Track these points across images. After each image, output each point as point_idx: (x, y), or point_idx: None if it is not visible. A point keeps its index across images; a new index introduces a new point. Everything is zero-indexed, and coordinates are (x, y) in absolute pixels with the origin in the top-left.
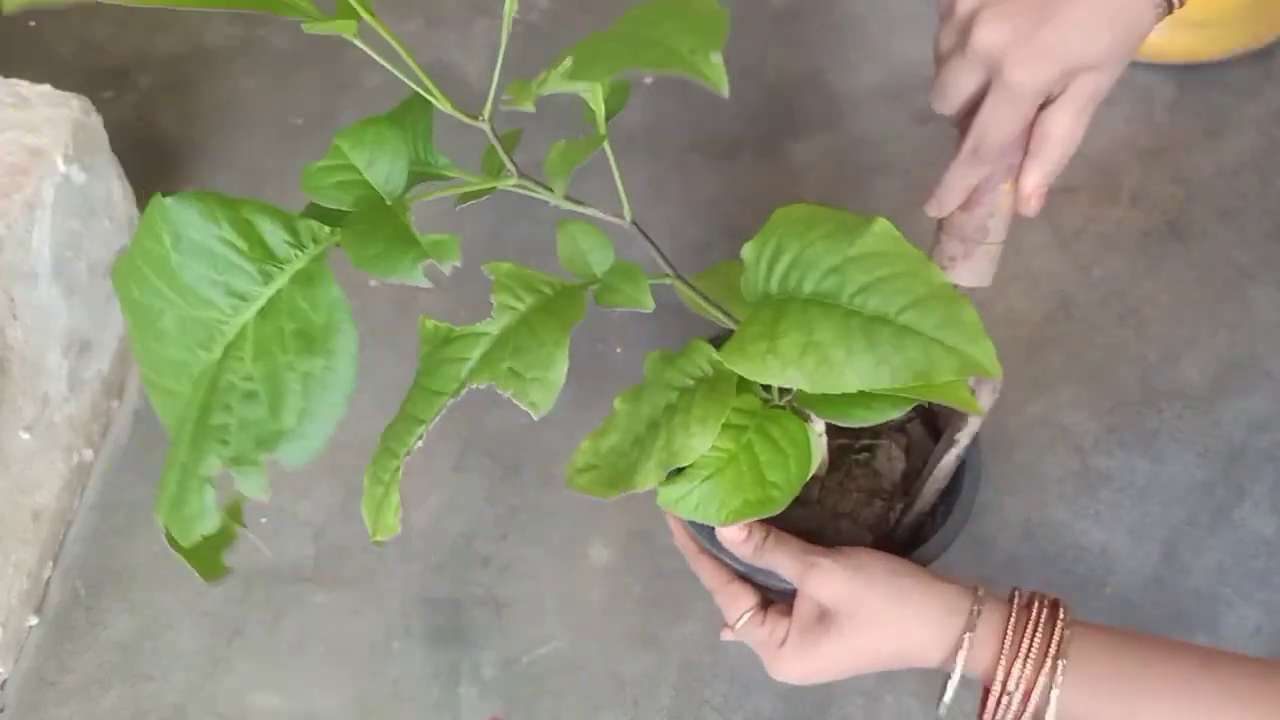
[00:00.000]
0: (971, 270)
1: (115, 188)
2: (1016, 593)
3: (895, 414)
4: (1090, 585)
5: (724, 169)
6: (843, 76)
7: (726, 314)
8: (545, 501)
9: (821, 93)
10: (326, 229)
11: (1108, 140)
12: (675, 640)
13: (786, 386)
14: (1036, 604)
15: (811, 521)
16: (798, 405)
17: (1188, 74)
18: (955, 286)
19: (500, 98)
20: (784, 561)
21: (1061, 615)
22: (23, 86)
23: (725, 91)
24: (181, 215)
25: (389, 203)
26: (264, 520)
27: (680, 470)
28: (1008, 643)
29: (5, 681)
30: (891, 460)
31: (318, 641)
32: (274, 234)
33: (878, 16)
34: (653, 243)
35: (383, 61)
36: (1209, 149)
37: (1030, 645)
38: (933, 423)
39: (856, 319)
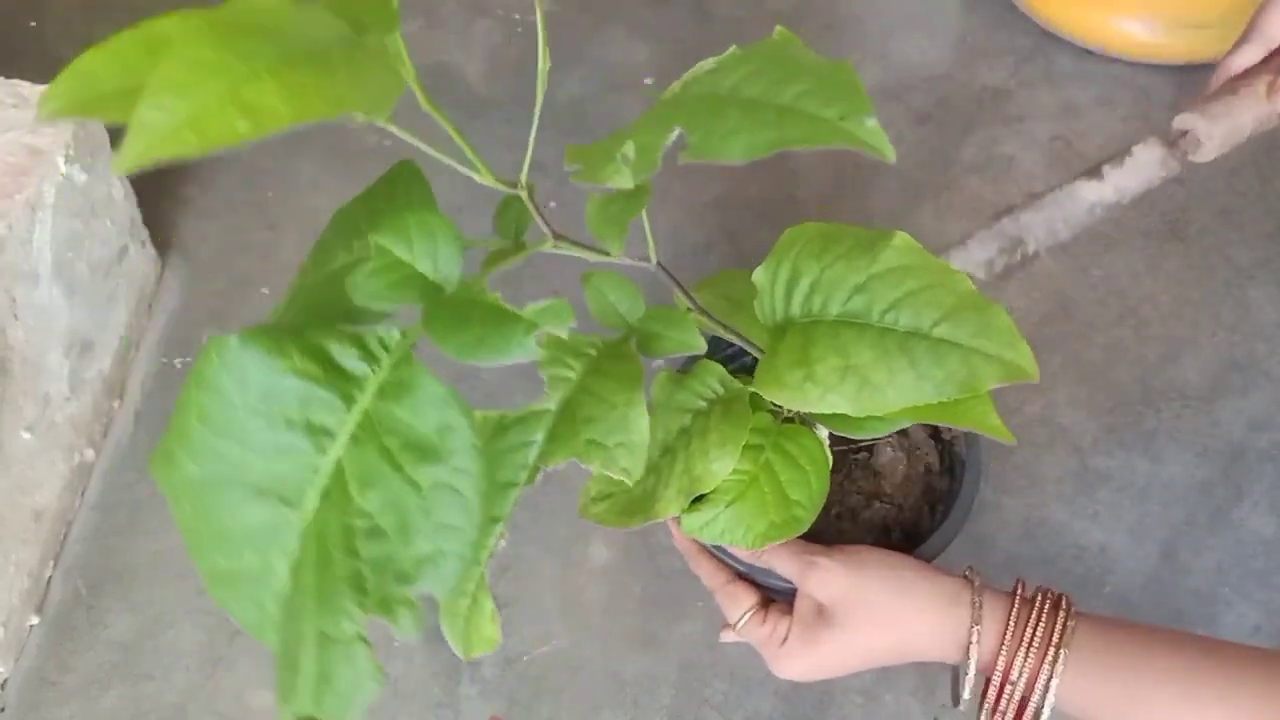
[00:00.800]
0: (1208, 142)
1: (116, 188)
2: (1020, 585)
3: (908, 424)
4: (1089, 585)
5: (723, 171)
6: None
7: (741, 337)
8: (545, 501)
9: None
10: (396, 334)
11: (1106, 140)
12: (675, 640)
13: (824, 412)
14: (1039, 596)
15: (813, 522)
16: (806, 417)
17: (1187, 74)
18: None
19: (566, 169)
20: (783, 561)
21: (1064, 606)
22: (24, 87)
23: (892, 157)
24: (246, 356)
25: (449, 291)
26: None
27: (701, 496)
28: (1009, 634)
29: (6, 681)
30: (893, 462)
31: None
32: (345, 356)
33: (877, 17)
34: (678, 282)
35: (413, 140)
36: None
37: (1034, 635)
38: (934, 425)
39: (892, 337)
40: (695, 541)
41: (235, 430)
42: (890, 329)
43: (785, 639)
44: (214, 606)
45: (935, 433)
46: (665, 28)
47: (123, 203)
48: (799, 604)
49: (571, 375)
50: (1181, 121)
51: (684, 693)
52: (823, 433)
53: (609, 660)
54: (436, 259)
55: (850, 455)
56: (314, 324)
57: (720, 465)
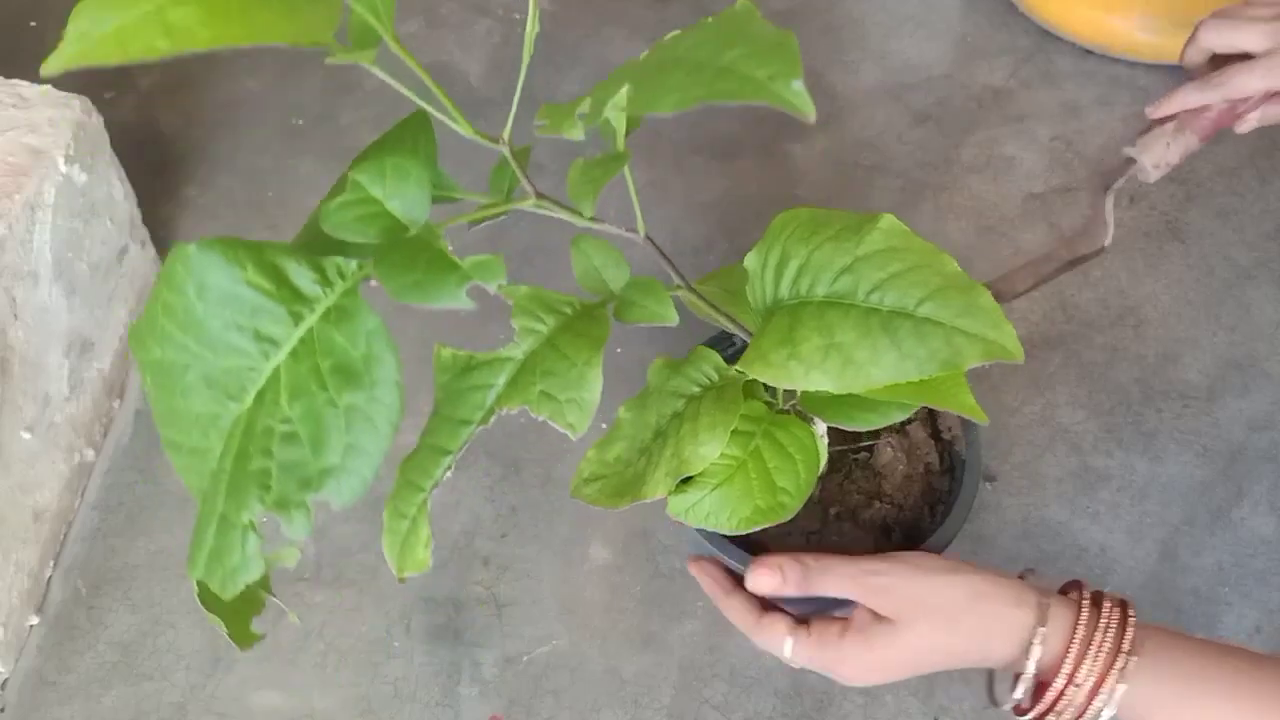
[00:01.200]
0: (1158, 154)
1: (116, 188)
2: (1081, 588)
3: (901, 416)
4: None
5: (724, 170)
6: (841, 77)
7: (734, 321)
8: (545, 501)
9: (820, 93)
10: (354, 264)
11: (1106, 140)
12: (675, 639)
13: (810, 389)
14: (1107, 601)
15: (812, 522)
16: (802, 409)
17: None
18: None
19: (534, 123)
20: (840, 582)
21: (1131, 613)
22: (24, 87)
23: (812, 116)
24: (205, 262)
25: (413, 232)
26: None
27: (689, 479)
28: (1077, 638)
29: (6, 681)
30: (893, 462)
31: (318, 641)
32: (300, 274)
33: (876, 18)
34: (665, 256)
35: (396, 85)
36: (1208, 149)
37: (1102, 640)
38: (934, 424)
39: (875, 316)
40: (719, 583)
41: (192, 326)
42: (875, 309)
43: (841, 647)
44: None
45: (935, 433)
46: (665, 28)
47: (123, 203)
48: (856, 614)
49: (542, 329)
50: (1132, 151)
51: (684, 693)
52: (820, 427)
53: (609, 660)
54: (405, 199)
55: (850, 455)
56: (274, 243)
57: (708, 449)
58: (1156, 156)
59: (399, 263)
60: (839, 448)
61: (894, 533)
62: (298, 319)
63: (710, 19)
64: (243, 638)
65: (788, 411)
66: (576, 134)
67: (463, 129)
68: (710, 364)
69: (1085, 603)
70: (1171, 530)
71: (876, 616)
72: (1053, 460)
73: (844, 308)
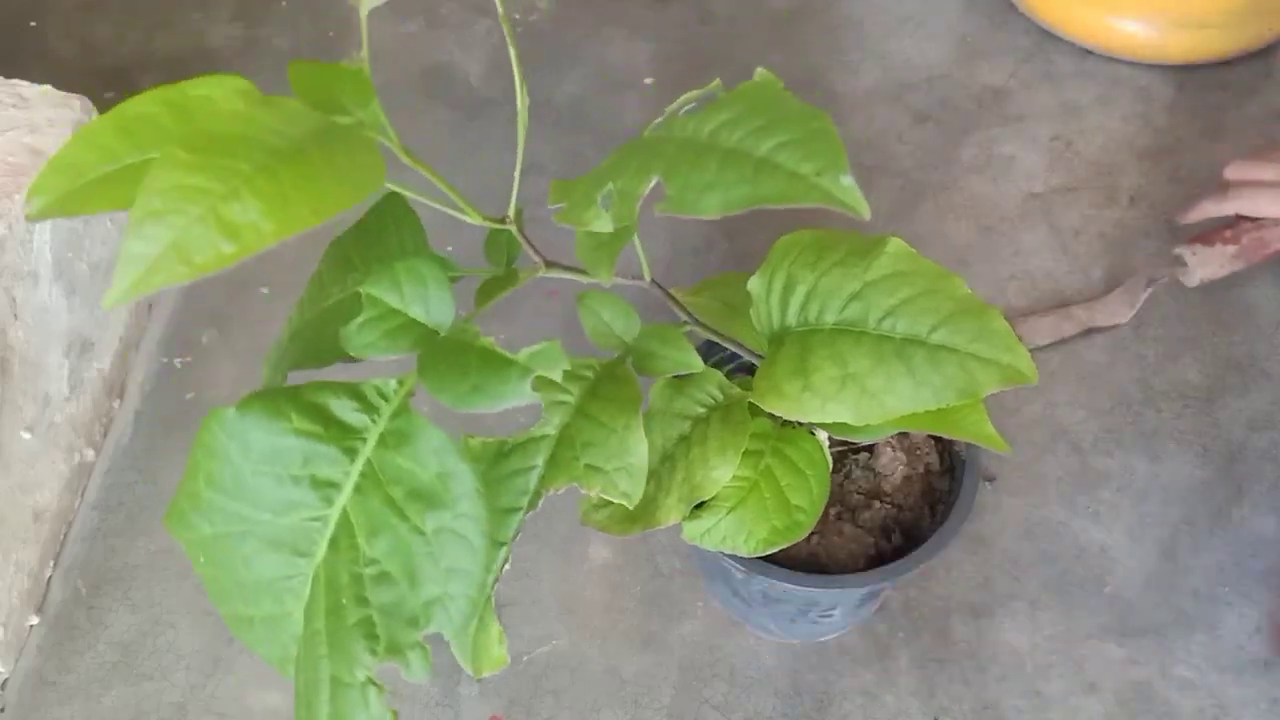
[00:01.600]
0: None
1: None
2: None
3: (906, 426)
4: (1089, 584)
5: None
6: (841, 77)
7: (742, 346)
8: (545, 501)
9: (820, 94)
10: (393, 384)
11: (1107, 140)
12: (675, 639)
13: (826, 422)
14: None
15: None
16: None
17: (1187, 74)
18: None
19: (550, 208)
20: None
21: None
22: (24, 87)
23: (867, 215)
24: (246, 423)
25: (442, 334)
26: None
27: (702, 502)
28: None
29: (6, 681)
30: (893, 463)
31: None
32: (343, 408)
33: (876, 18)
34: (673, 298)
35: (419, 197)
36: (1208, 149)
37: None
38: (941, 438)
39: (889, 344)
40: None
41: (243, 491)
42: (887, 336)
43: None
44: (214, 607)
45: (936, 435)
46: (666, 28)
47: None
48: None
49: (569, 399)
50: (1185, 254)
51: (684, 693)
52: (822, 435)
53: (609, 660)
54: (428, 304)
55: (850, 455)
56: (311, 384)
57: (720, 472)
58: (1209, 270)
59: (449, 371)
60: (839, 449)
61: (894, 533)
62: (352, 454)
63: (723, 95)
64: None
65: (794, 426)
66: (604, 226)
67: (473, 219)
68: (714, 384)
69: None
70: (1171, 530)
71: None
72: (1053, 460)
73: (855, 335)
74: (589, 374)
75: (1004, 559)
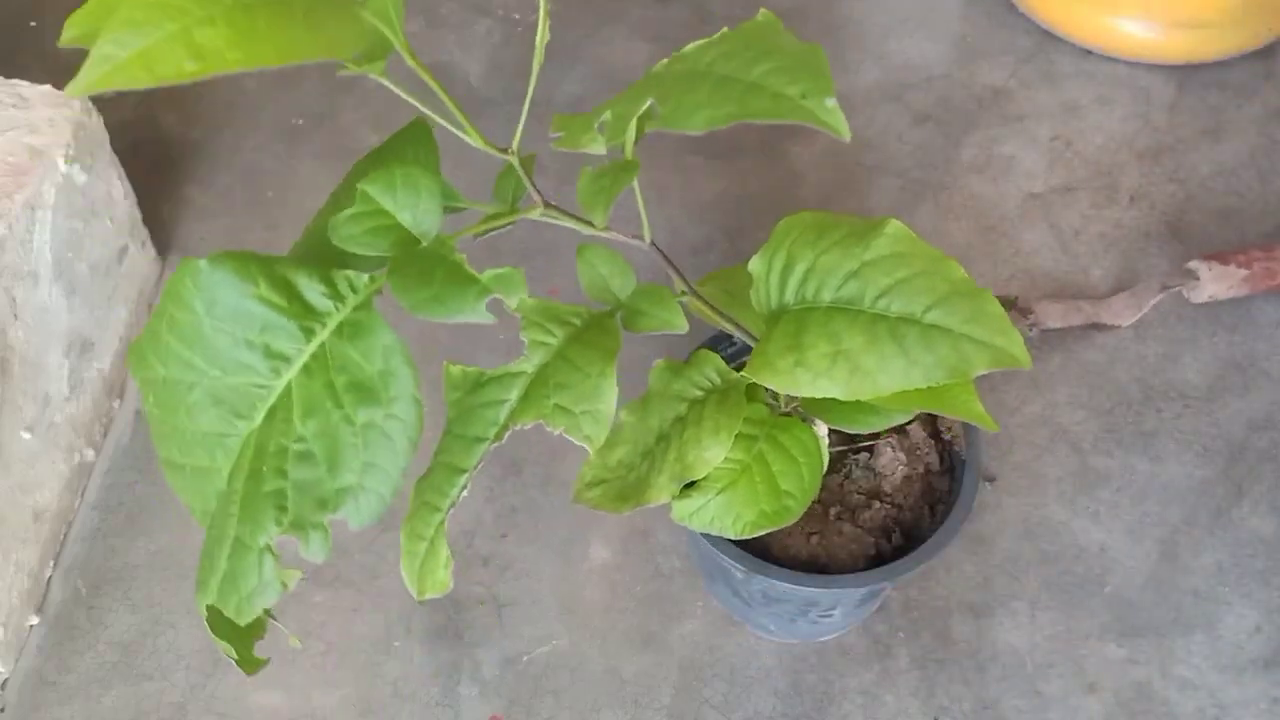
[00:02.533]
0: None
1: (116, 188)
2: None
3: (903, 419)
4: (1089, 584)
5: (723, 169)
6: (841, 77)
7: (737, 325)
8: (545, 500)
9: None
10: (365, 277)
11: (1106, 140)
12: (675, 639)
13: (817, 397)
14: None
15: (812, 522)
16: (803, 411)
17: (1187, 74)
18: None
19: (549, 135)
20: None
21: None
22: (24, 87)
23: (848, 136)
24: (216, 278)
25: (424, 244)
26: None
27: (694, 483)
28: None
29: (6, 681)
30: (893, 462)
31: (318, 640)
32: (312, 289)
33: (875, 17)
34: (671, 263)
35: (405, 96)
36: (1208, 149)
37: None
38: (934, 425)
39: (883, 323)
40: None
41: (200, 343)
42: (882, 315)
43: None
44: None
45: (935, 433)
46: (666, 27)
47: (123, 202)
48: None
49: (552, 341)
50: (1199, 268)
51: (684, 693)
52: (822, 429)
53: (609, 660)
54: (417, 211)
55: (850, 455)
56: (285, 257)
57: (712, 453)
58: (1218, 289)
59: (415, 277)
60: (839, 448)
61: (894, 532)
62: (309, 334)
63: (727, 30)
64: (249, 663)
65: (789, 414)
66: (598, 148)
67: (473, 140)
68: (712, 367)
69: None
70: (1171, 530)
71: None
72: (1053, 460)
73: (851, 314)
74: (576, 321)
75: (1004, 559)
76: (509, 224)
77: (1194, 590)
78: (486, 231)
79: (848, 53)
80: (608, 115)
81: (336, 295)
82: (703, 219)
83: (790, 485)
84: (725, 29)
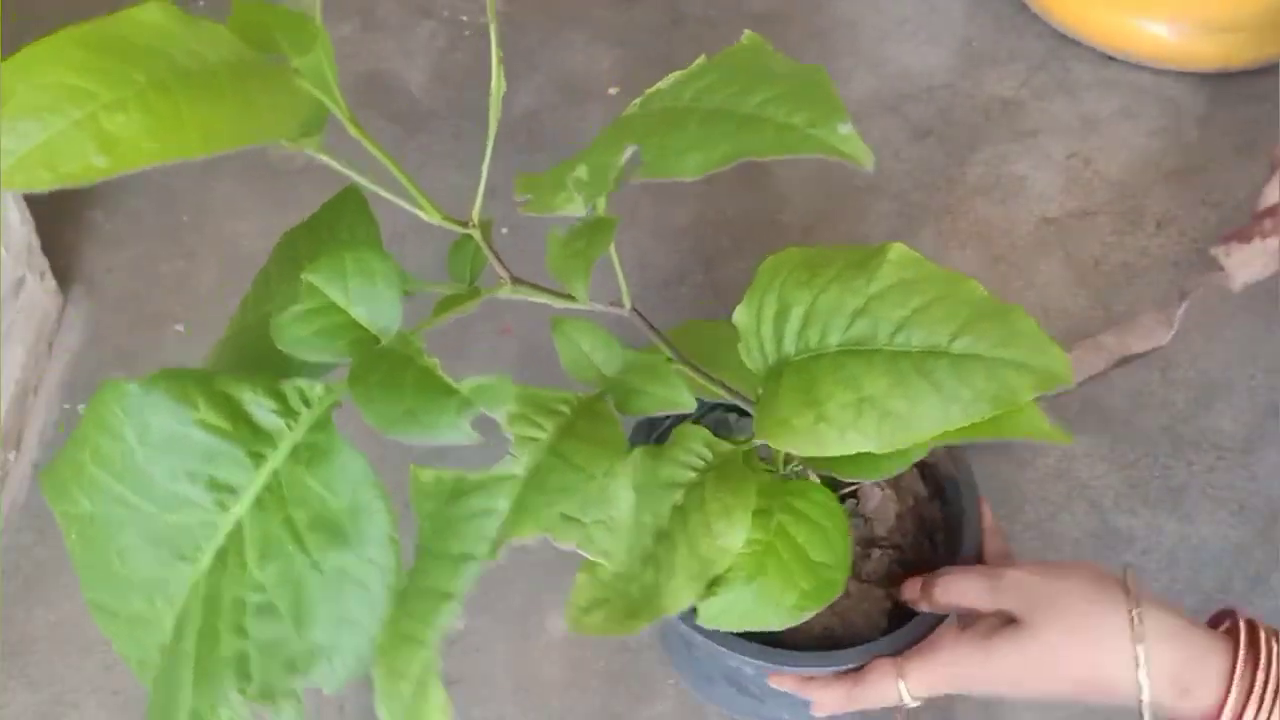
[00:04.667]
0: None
1: (11, 213)
2: (1233, 618)
3: (920, 455)
4: None
5: (699, 190)
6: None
7: (729, 389)
8: (497, 566)
9: None
10: (319, 388)
11: (1130, 157)
12: None
13: (847, 454)
14: (1265, 637)
15: None
16: (804, 470)
17: (1219, 84)
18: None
19: (516, 200)
20: (968, 587)
21: None
22: None
23: (870, 165)
24: (148, 403)
25: (385, 342)
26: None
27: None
28: (1237, 678)
29: None
30: (883, 503)
31: None
32: (257, 406)
33: (870, 20)
34: (659, 333)
35: (352, 174)
36: (1243, 167)
37: (1266, 681)
38: (922, 460)
39: (906, 360)
40: (805, 687)
41: (131, 475)
42: (903, 352)
43: (974, 653)
44: (122, 685)
45: (923, 469)
46: (632, 31)
47: (19, 229)
48: (981, 621)
49: (542, 436)
50: (1221, 255)
51: None
52: (812, 478)
53: None
54: (373, 304)
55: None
56: (226, 373)
57: (729, 540)
58: (1251, 271)
59: (382, 387)
60: None
61: (901, 578)
62: (259, 460)
63: (705, 59)
64: None
65: (791, 476)
66: (575, 209)
67: (430, 215)
68: (699, 441)
69: (1241, 638)
70: (1204, 599)
71: (1004, 619)
72: (1070, 519)
73: (866, 355)
74: (564, 409)
75: None
76: (472, 308)
77: None
78: (446, 316)
79: (838, 60)
80: (582, 170)
81: (288, 411)
82: (675, 247)
83: (822, 555)
84: (704, 56)
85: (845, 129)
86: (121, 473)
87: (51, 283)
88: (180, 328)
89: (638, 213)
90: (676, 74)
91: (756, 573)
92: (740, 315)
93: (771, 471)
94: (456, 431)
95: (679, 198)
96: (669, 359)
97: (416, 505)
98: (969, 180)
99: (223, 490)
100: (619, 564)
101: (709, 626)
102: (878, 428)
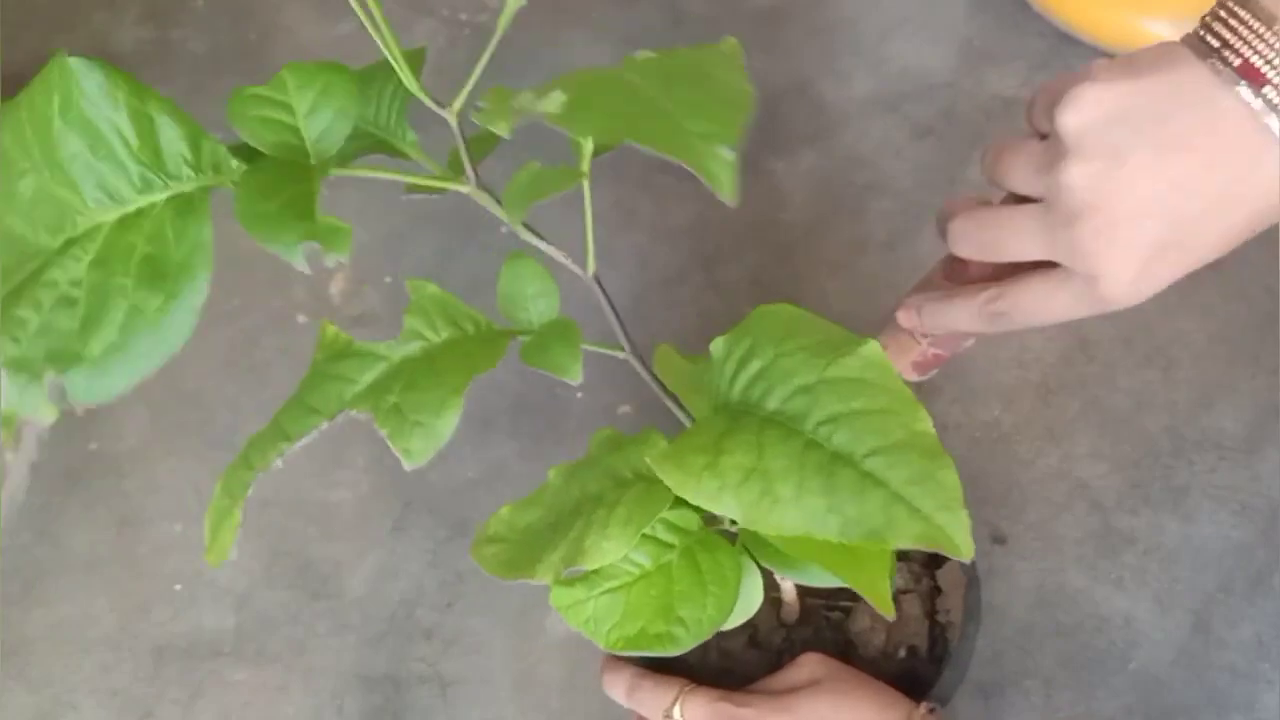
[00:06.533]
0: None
1: None
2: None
3: (836, 583)
4: (1112, 660)
5: (698, 190)
6: (831, 85)
7: (680, 405)
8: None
9: (808, 104)
10: (234, 161)
11: None
12: None
13: (716, 511)
14: None
15: (766, 669)
16: (738, 537)
17: None
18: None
19: (474, 102)
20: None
21: None
22: None
23: (734, 201)
24: (79, 82)
25: (312, 161)
26: (178, 587)
27: (591, 573)
28: None
29: None
30: (868, 633)
31: None
32: (174, 143)
33: (871, 18)
34: (614, 309)
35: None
36: None
37: None
38: (932, 603)
39: (816, 453)
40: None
41: (44, 139)
42: (820, 444)
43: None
44: (122, 684)
45: (932, 612)
46: (633, 29)
47: None
48: (783, 676)
49: (431, 339)
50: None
51: None
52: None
53: None
54: (322, 125)
55: (823, 612)
56: (164, 99)
57: (612, 545)
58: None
59: (264, 185)
60: (813, 600)
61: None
62: (147, 187)
63: (679, 49)
64: None
65: (722, 534)
66: (503, 131)
67: (410, 86)
68: (656, 449)
69: None
70: (1205, 599)
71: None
72: (1071, 519)
73: (788, 431)
74: (468, 328)
75: (1015, 631)
76: (437, 191)
77: (1230, 667)
78: (413, 189)
79: (839, 58)
80: (522, 98)
81: (195, 164)
82: (675, 246)
83: (688, 613)
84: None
85: (727, 154)
86: (39, 132)
87: None
88: None
89: (637, 213)
90: (654, 52)
91: (619, 589)
92: (717, 345)
93: (710, 521)
94: (289, 251)
95: (679, 198)
96: (617, 346)
97: (315, 353)
98: (970, 179)
99: (104, 194)
100: (534, 517)
101: (555, 608)
102: (754, 501)
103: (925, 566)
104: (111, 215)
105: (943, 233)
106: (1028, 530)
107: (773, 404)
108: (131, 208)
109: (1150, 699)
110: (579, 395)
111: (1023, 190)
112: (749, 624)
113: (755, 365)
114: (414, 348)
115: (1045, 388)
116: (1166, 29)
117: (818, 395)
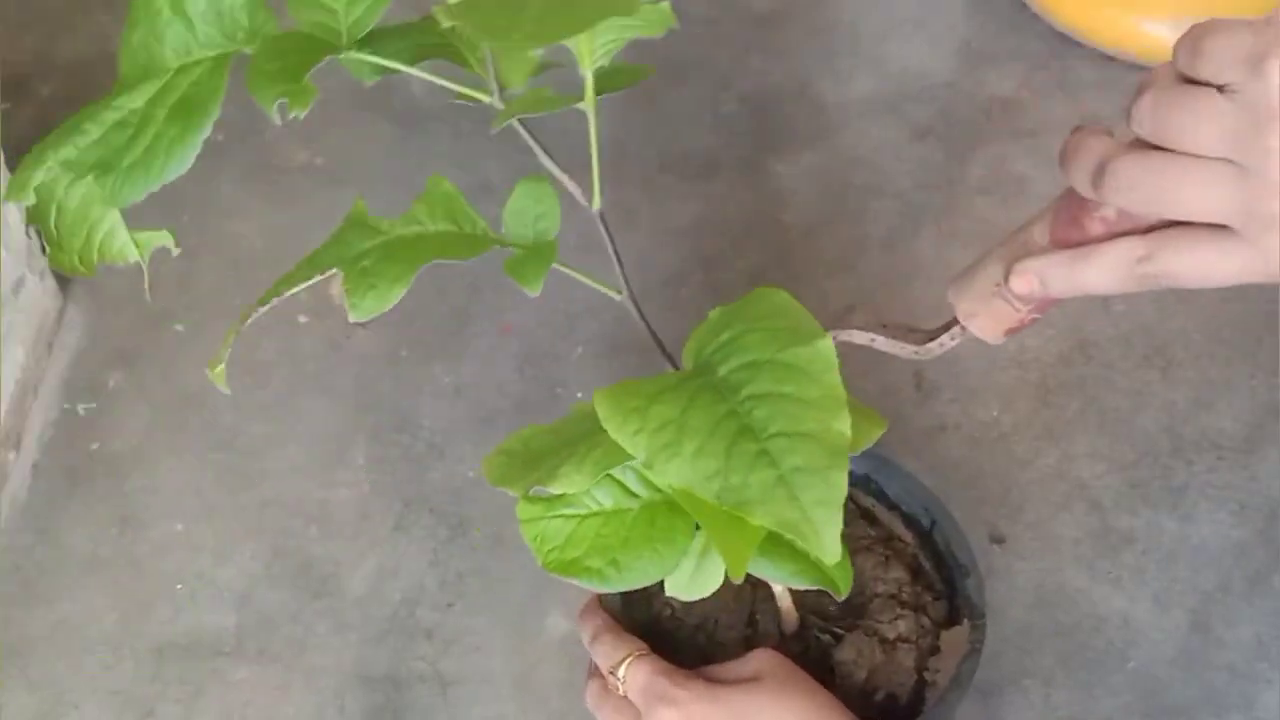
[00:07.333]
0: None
1: (13, 214)
2: None
3: (801, 584)
4: (1110, 660)
5: (698, 191)
6: (831, 86)
7: (669, 358)
8: (496, 565)
9: (808, 105)
10: (274, 24)
11: None
12: None
13: (626, 449)
14: None
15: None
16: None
17: None
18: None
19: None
20: (636, 681)
21: None
22: None
23: (669, 25)
24: None
25: (343, 42)
26: (180, 586)
27: (560, 496)
28: None
29: None
30: (851, 665)
31: None
32: (236, 10)
33: (870, 19)
34: (615, 247)
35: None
36: None
37: None
38: (924, 659)
39: (732, 422)
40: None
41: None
42: (739, 414)
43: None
44: (123, 684)
45: (920, 669)
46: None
47: (18, 229)
48: (726, 670)
49: (425, 228)
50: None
51: None
52: (779, 587)
53: None
54: (359, 12)
55: (815, 632)
56: None
57: (577, 477)
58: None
59: (277, 51)
60: (811, 617)
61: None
62: (209, 44)
63: None
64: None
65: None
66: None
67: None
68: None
69: None
70: (1204, 598)
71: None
72: (1070, 519)
73: (718, 396)
74: (467, 227)
75: (1014, 631)
76: (463, 100)
77: (1229, 666)
78: (462, 99)
79: (838, 59)
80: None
81: (250, 30)
82: (676, 247)
83: (625, 559)
84: None
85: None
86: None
87: (51, 283)
88: (180, 328)
89: (637, 214)
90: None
91: (571, 517)
92: (714, 313)
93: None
94: (266, 102)
95: (679, 197)
96: (617, 290)
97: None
98: (969, 180)
99: (216, 44)
100: (543, 443)
101: (518, 517)
102: (658, 447)
103: (935, 625)
104: (175, 64)
105: (1087, 179)
106: (1026, 530)
107: (723, 371)
108: (215, 54)
109: (1149, 698)
110: (579, 395)
111: (1211, 148)
112: (749, 624)
113: (725, 335)
114: (410, 230)
115: (1044, 388)
116: (1165, 30)
117: (759, 372)
